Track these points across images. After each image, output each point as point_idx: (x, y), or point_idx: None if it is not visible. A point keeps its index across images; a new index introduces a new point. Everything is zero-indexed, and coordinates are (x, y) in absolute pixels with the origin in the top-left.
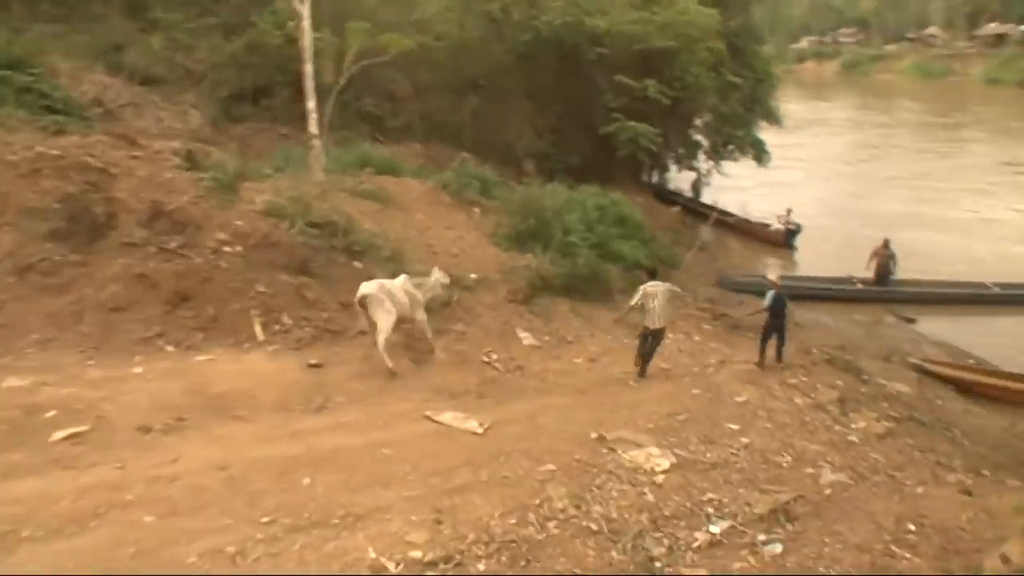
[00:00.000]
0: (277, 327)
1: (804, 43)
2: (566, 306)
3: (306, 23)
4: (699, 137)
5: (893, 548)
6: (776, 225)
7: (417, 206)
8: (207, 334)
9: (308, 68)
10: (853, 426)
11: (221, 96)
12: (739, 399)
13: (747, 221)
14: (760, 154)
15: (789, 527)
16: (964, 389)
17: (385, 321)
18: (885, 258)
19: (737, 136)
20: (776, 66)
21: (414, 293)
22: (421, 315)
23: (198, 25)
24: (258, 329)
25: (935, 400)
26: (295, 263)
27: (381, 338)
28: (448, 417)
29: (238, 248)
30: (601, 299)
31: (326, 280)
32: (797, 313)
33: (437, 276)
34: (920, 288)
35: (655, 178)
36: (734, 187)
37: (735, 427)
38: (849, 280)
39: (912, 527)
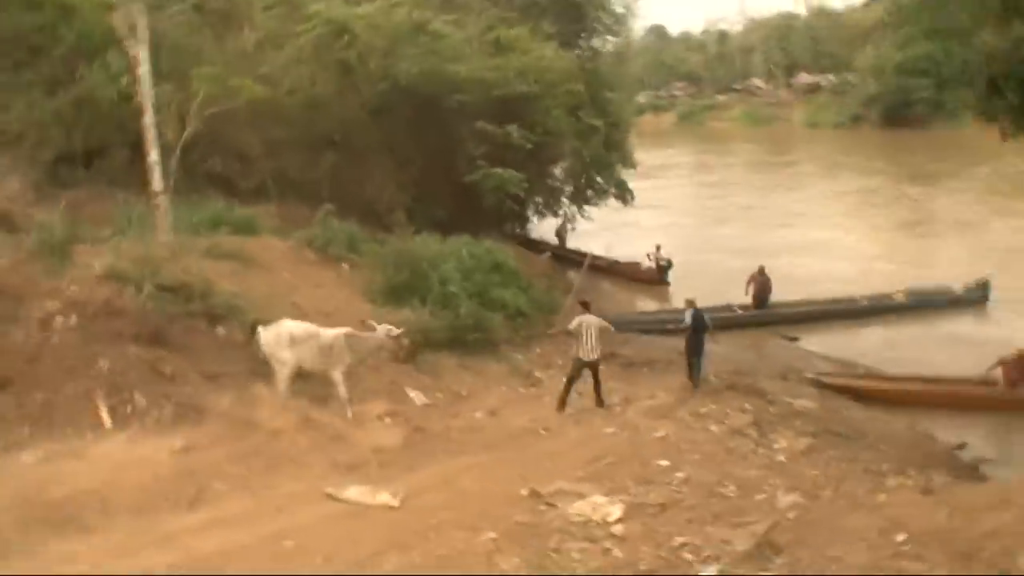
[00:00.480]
0: (129, 409)
1: (642, 98)
2: (453, 360)
3: (144, 67)
4: (561, 183)
5: (903, 563)
6: (647, 263)
7: (281, 265)
8: (37, 426)
9: (148, 118)
10: (775, 446)
11: (45, 159)
12: (658, 434)
13: (618, 262)
14: (624, 194)
15: (780, 559)
16: (860, 397)
17: (279, 372)
18: (761, 284)
19: (599, 180)
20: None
21: (339, 348)
22: (337, 373)
23: (13, 81)
24: (104, 413)
25: (840, 411)
26: (146, 333)
27: (280, 387)
28: (354, 493)
29: (73, 319)
30: (488, 350)
31: (185, 350)
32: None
33: (382, 330)
34: (797, 308)
35: (518, 228)
36: (597, 231)
37: (665, 463)
38: (729, 308)
39: (901, 537)
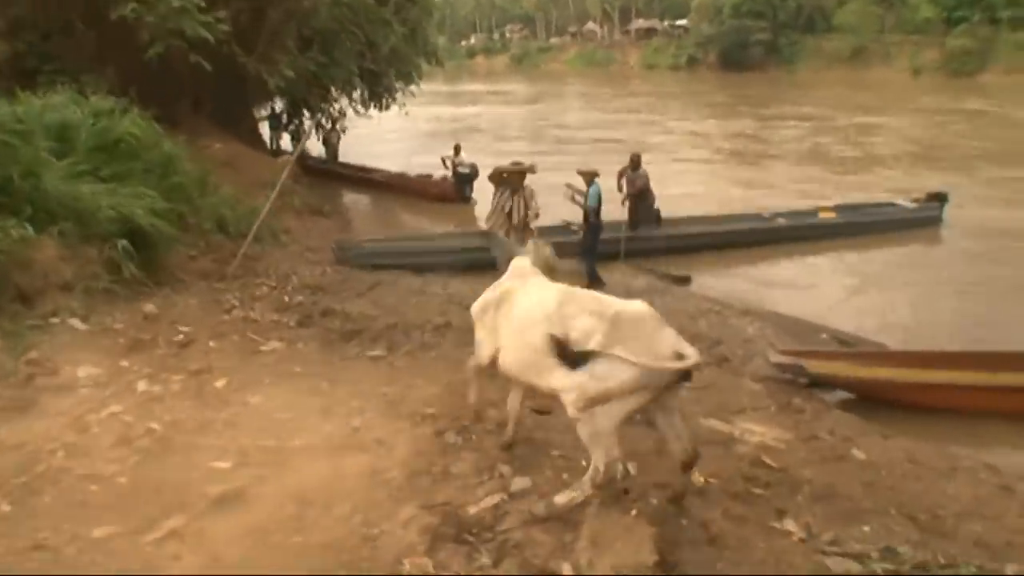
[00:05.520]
0: None
1: (473, 40)
2: None
3: None
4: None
5: None
6: (442, 173)
7: None
8: None
9: None
10: None
11: None
12: None
13: (401, 175)
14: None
15: None
16: (871, 396)
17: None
18: (638, 184)
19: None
20: (448, 62)
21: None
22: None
23: None
24: None
25: (846, 447)
26: None
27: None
28: None
29: None
30: None
31: None
32: None
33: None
34: (689, 228)
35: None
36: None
37: None
38: (567, 228)
39: None
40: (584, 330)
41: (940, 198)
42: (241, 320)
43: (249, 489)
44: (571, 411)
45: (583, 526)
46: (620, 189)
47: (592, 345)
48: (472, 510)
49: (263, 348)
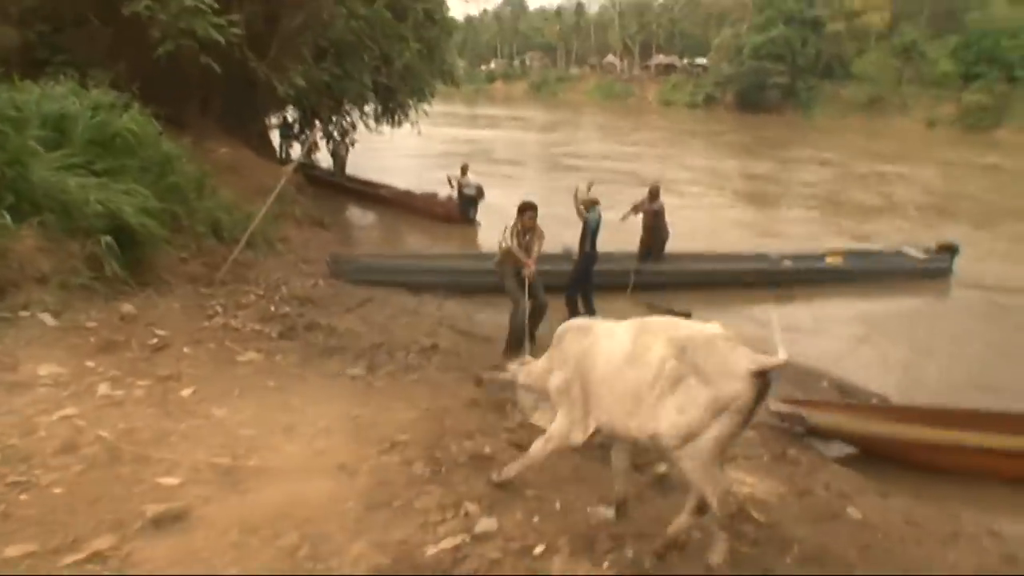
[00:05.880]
0: None
1: (493, 65)
2: None
3: None
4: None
5: None
6: (448, 192)
7: None
8: None
9: None
10: None
11: None
12: None
13: (406, 192)
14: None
15: None
16: (876, 452)
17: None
18: (654, 215)
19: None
20: (467, 85)
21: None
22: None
23: None
24: None
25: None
26: None
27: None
28: None
29: None
30: None
31: None
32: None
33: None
34: (694, 265)
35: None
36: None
37: None
38: (569, 256)
39: None
40: (659, 358)
41: (951, 249)
42: (221, 327)
43: (192, 510)
44: (666, 449)
45: None
46: (624, 219)
47: (667, 374)
48: (430, 551)
49: (239, 358)
